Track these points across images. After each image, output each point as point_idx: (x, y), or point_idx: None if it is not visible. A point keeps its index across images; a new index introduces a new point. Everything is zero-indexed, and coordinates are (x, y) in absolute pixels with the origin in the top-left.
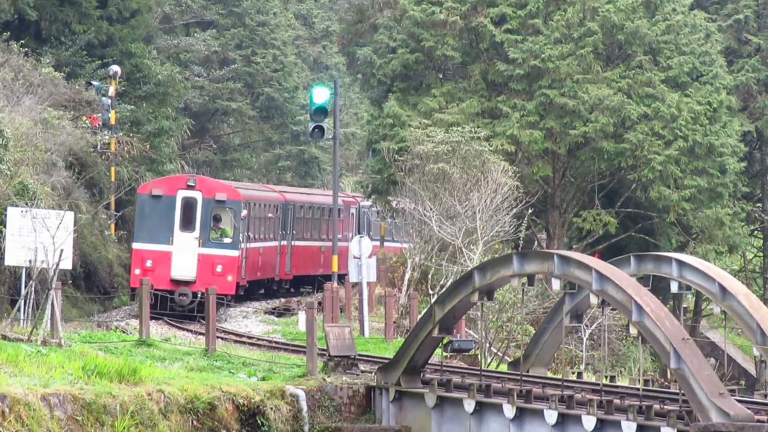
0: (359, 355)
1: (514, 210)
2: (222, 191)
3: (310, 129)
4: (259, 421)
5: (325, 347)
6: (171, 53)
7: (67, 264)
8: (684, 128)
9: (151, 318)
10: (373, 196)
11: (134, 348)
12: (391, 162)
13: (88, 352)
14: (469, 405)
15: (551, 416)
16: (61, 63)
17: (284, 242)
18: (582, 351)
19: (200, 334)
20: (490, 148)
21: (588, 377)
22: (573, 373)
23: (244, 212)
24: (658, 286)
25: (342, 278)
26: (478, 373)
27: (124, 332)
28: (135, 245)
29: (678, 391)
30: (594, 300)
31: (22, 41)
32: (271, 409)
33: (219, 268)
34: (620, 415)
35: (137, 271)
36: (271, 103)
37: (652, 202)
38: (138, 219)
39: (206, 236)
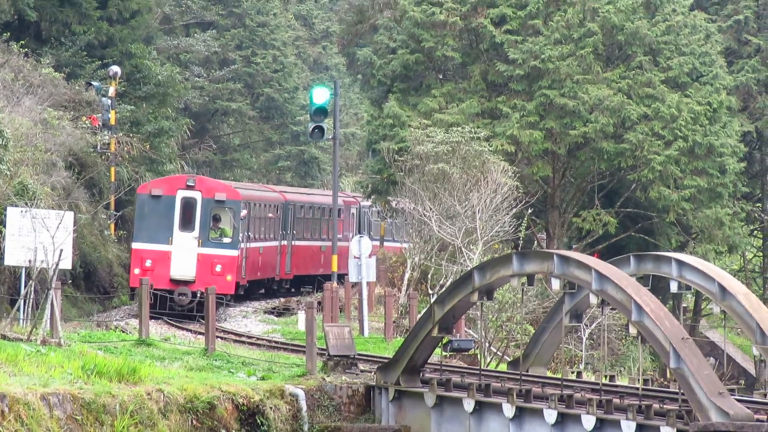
0: (359, 354)
1: (514, 210)
2: (221, 191)
3: (310, 129)
4: (258, 421)
5: (324, 347)
6: (171, 54)
7: (66, 264)
8: (684, 128)
9: (151, 318)
10: (372, 196)
11: (134, 348)
12: (390, 162)
13: (87, 351)
14: (469, 404)
15: (551, 416)
16: (61, 63)
17: (284, 242)
18: (581, 350)
19: (200, 333)
20: (490, 149)
21: (587, 377)
22: (572, 372)
23: (244, 212)
24: (657, 285)
25: (342, 278)
26: (478, 372)
27: (123, 332)
28: (134, 245)
29: (677, 390)
30: (593, 300)
31: (22, 42)
32: (271, 408)
33: (218, 268)
34: (620, 414)
35: (137, 271)
36: (271, 103)
37: (652, 202)
38: (137, 219)
39: (206, 236)
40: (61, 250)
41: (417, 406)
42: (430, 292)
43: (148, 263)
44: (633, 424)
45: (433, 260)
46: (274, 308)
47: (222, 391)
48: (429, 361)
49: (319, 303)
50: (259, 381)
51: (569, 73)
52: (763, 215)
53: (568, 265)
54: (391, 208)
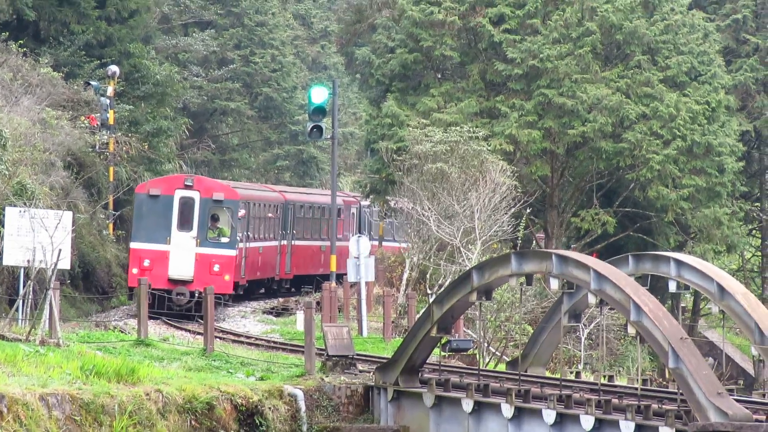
0: (357, 354)
1: (513, 210)
2: (219, 191)
3: (309, 129)
4: (257, 421)
5: (323, 347)
6: (169, 53)
7: (65, 264)
8: (682, 128)
9: (149, 318)
10: (371, 196)
11: (132, 348)
12: (389, 162)
13: (86, 351)
14: (468, 405)
15: (549, 416)
16: (60, 63)
17: (284, 242)
18: (580, 350)
19: (198, 333)
20: (489, 148)
21: (586, 377)
22: (571, 372)
23: (242, 212)
24: (656, 285)
25: (341, 278)
26: (477, 372)
27: (122, 332)
28: (133, 245)
29: (676, 390)
30: (592, 299)
31: (21, 41)
32: (270, 408)
33: (216, 268)
34: (618, 414)
35: (135, 271)
36: (270, 102)
37: (651, 202)
38: (136, 219)
39: (204, 236)
40: (60, 250)
41: (416, 406)
42: (429, 292)
43: (146, 263)
44: (632, 425)
45: (431, 260)
46: (272, 308)
47: (221, 391)
48: (428, 362)
49: (318, 303)
50: (257, 381)
51: (568, 72)
52: (761, 214)
53: (567, 264)
54: (389, 208)
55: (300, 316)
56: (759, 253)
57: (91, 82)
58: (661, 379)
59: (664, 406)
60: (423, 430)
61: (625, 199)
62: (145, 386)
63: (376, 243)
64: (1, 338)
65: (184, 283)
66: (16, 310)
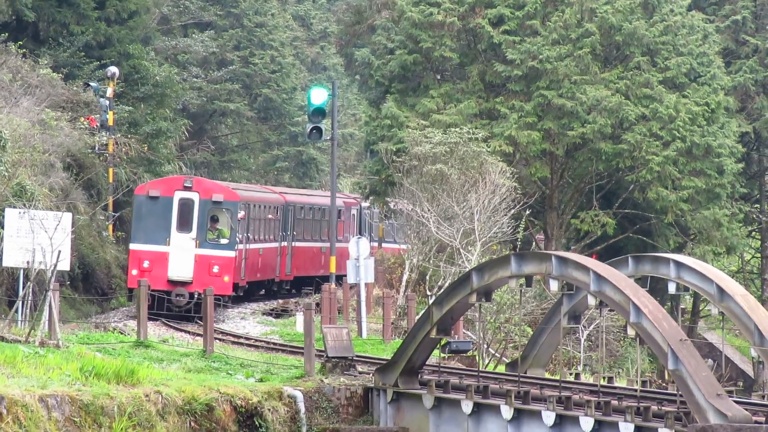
0: (357, 356)
1: (512, 211)
2: (219, 192)
3: (308, 130)
4: (256, 423)
5: (323, 348)
6: (169, 54)
7: (64, 265)
8: (682, 129)
9: (149, 319)
10: (371, 198)
11: (132, 349)
12: (389, 163)
13: (85, 353)
14: (467, 406)
15: (549, 417)
16: (59, 64)
17: (285, 243)
18: (580, 352)
19: (198, 335)
20: (488, 149)
21: (586, 378)
22: (571, 374)
23: (242, 213)
24: (655, 287)
25: (341, 279)
26: (476, 374)
27: (121, 333)
28: (132, 246)
29: (676, 392)
30: (592, 301)
31: (20, 42)
32: (269, 410)
33: (216, 269)
34: (618, 416)
35: (134, 272)
36: (269, 104)
37: (650, 203)
38: (135, 220)
39: (203, 237)
40: (60, 252)
41: (415, 407)
42: (429, 293)
43: (145, 264)
44: (631, 426)
45: (431, 261)
46: (272, 310)
47: (220, 392)
48: (427, 363)
49: (318, 304)
50: (257, 383)
51: (567, 73)
52: (761, 216)
53: (567, 266)
54: (389, 209)
55: (299, 317)
56: (758, 255)
57: (90, 83)
58: (660, 381)
59: (663, 408)
60: (422, 431)
61: (624, 201)
62: (144, 387)
63: (376, 244)
64: (0, 339)
65: (183, 284)
66: (16, 311)
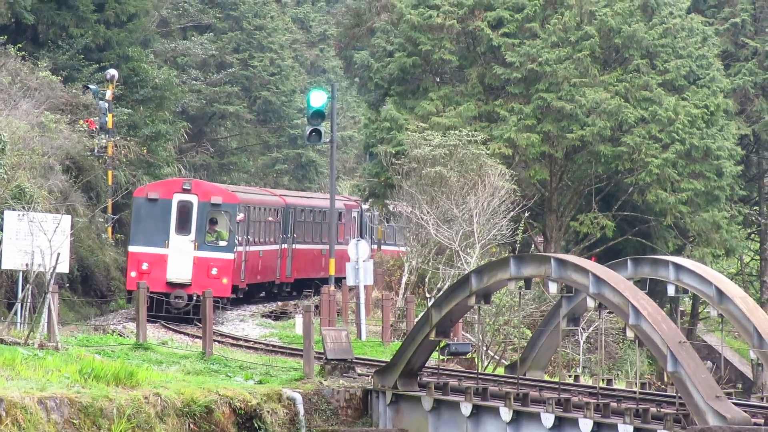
0: (356, 358)
1: (511, 213)
2: (217, 195)
3: (308, 132)
4: (255, 425)
5: (322, 350)
6: (168, 57)
7: (64, 267)
8: (681, 131)
9: (148, 321)
10: (370, 200)
11: (131, 351)
12: (388, 165)
13: (84, 355)
14: (466, 408)
15: (548, 419)
16: (59, 67)
17: (285, 246)
18: (579, 354)
19: (197, 337)
20: (487, 152)
21: (585, 380)
22: (570, 376)
23: (241, 216)
24: (655, 289)
25: (341, 281)
26: (475, 376)
27: (120, 335)
28: (131, 248)
29: (675, 394)
30: (591, 303)
31: (19, 45)
32: (268, 412)
33: (214, 271)
34: (617, 418)
35: (133, 274)
36: (269, 106)
37: (649, 206)
38: (134, 222)
39: (202, 239)
40: (59, 254)
41: (414, 409)
42: (428, 295)
43: (144, 266)
44: (630, 428)
45: (430, 264)
46: (271, 312)
47: (219, 395)
48: (426, 365)
49: (317, 307)
50: (256, 385)
51: (566, 76)
52: (760, 218)
53: (566, 268)
54: (388, 212)
55: (299, 319)
56: (757, 257)
57: (89, 86)
58: (659, 383)
59: (662, 410)
60: None
61: (623, 203)
62: (143, 390)
63: (376, 247)
64: (0, 342)
65: (182, 286)
66: (15, 313)
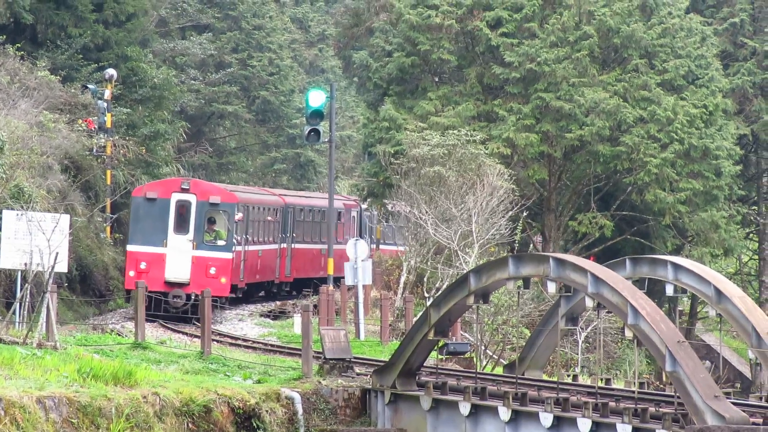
0: (355, 357)
1: (510, 213)
2: (216, 194)
3: (306, 132)
4: (254, 424)
5: (320, 350)
6: (167, 57)
7: (62, 267)
8: (680, 131)
9: (146, 320)
10: (369, 200)
11: (129, 351)
12: (387, 165)
13: (83, 354)
14: (465, 408)
15: (547, 419)
16: (57, 66)
17: (284, 245)
18: (577, 354)
19: (195, 336)
20: (486, 152)
21: (583, 380)
22: (568, 375)
23: (240, 215)
24: (653, 289)
25: (340, 281)
26: (474, 375)
27: (119, 335)
28: (129, 247)
29: (673, 393)
30: (589, 303)
31: (18, 45)
32: (267, 411)
33: (212, 271)
34: (616, 417)
35: (132, 273)
36: (267, 106)
37: (648, 205)
38: (132, 222)
39: (200, 239)
40: (57, 254)
41: (413, 409)
42: (426, 295)
43: (142, 265)
44: (629, 428)
45: (429, 263)
46: (270, 311)
47: (218, 394)
48: (425, 365)
49: (315, 306)
50: (254, 384)
51: (565, 76)
52: (758, 218)
53: (564, 268)
54: (387, 212)
55: (297, 319)
56: (756, 257)
57: (88, 86)
58: (658, 383)
59: (661, 410)
60: None
61: (622, 203)
62: (142, 389)
63: (374, 246)
64: None
65: (180, 285)
66: (14, 313)
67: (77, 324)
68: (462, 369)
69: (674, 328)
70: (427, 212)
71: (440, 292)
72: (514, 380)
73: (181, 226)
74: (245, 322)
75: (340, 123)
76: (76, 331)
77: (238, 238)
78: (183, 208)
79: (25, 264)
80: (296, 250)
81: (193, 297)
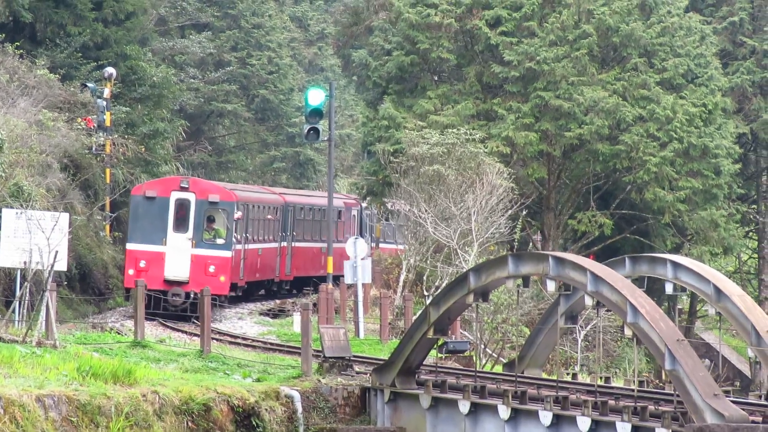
0: (354, 356)
1: (509, 212)
2: (215, 193)
3: (306, 131)
4: (254, 422)
5: (320, 348)
6: (166, 55)
7: (62, 265)
8: (679, 130)
9: (145, 318)
10: (368, 198)
11: (129, 349)
12: (386, 164)
13: (82, 353)
14: (464, 406)
15: (546, 417)
16: (56, 65)
17: (284, 244)
18: (577, 352)
19: (195, 335)
20: (485, 150)
21: (583, 378)
22: (568, 374)
23: (239, 214)
24: (652, 287)
25: (338, 279)
26: (473, 374)
27: (118, 333)
28: (129, 246)
29: (673, 392)
30: (589, 301)
31: (17, 43)
32: (266, 410)
33: (212, 269)
34: (615, 416)
35: (131, 272)
36: (267, 105)
37: (647, 204)
38: (132, 220)
39: (199, 237)
40: (57, 252)
41: (412, 407)
42: (426, 293)
43: (142, 264)
44: (628, 426)
45: (428, 262)
46: (269, 310)
47: (217, 392)
48: (424, 363)
49: (315, 304)
50: (254, 383)
51: (564, 74)
52: (758, 217)
53: (564, 266)
54: (386, 210)
55: (297, 317)
56: (755, 255)
57: (87, 84)
58: (657, 381)
59: (660, 408)
60: (420, 431)
61: (621, 202)
62: (141, 388)
63: (374, 245)
64: None
65: (179, 284)
66: (13, 311)
67: (76, 322)
68: (461, 367)
69: (673, 326)
70: (426, 211)
71: (440, 290)
72: (513, 379)
73: (181, 224)
74: (245, 321)
75: (339, 121)
76: (76, 329)
77: (238, 236)
78: (182, 207)
79: (25, 262)
80: (297, 248)
81: (192, 295)
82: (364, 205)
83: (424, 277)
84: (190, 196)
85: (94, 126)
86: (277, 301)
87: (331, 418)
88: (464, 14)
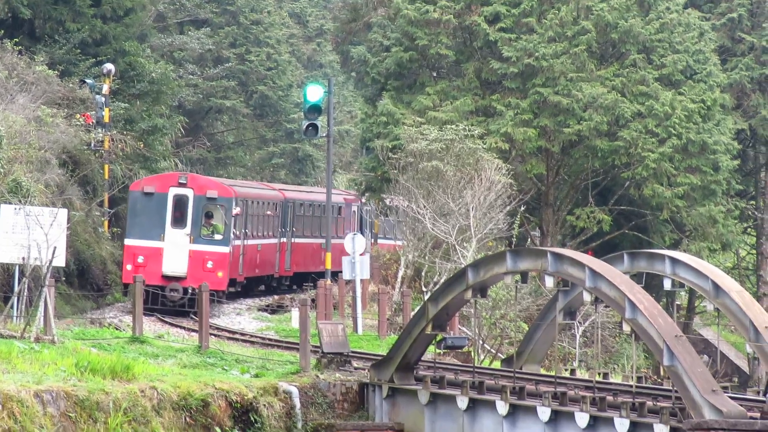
0: (352, 352)
1: (508, 207)
2: (213, 188)
3: (304, 127)
4: (252, 418)
5: (318, 344)
6: (165, 51)
7: (60, 261)
8: (678, 126)
9: (144, 314)
10: (367, 194)
11: (127, 345)
12: (384, 160)
13: (81, 348)
14: (463, 402)
15: (544, 413)
16: (55, 61)
17: (284, 239)
18: (575, 348)
19: (193, 330)
20: (484, 146)
21: (581, 374)
22: (566, 370)
23: (237, 209)
24: (651, 283)
25: (337, 275)
26: (472, 370)
27: (117, 329)
28: (127, 241)
29: (671, 388)
30: (587, 297)
31: (16, 39)
32: (264, 405)
33: (210, 264)
34: (613, 411)
35: (129, 267)
36: (265, 101)
37: (646, 200)
38: (130, 216)
39: (197, 233)
40: (55, 248)
41: (411, 403)
42: (424, 289)
43: (140, 259)
44: (626, 422)
45: (426, 258)
46: (268, 305)
47: (215, 388)
48: (423, 359)
49: (313, 300)
50: (252, 378)
51: (563, 70)
52: (756, 213)
53: (562, 262)
54: (385, 206)
55: (295, 313)
56: (754, 251)
57: (86, 80)
58: (656, 377)
59: (659, 404)
60: (418, 427)
61: (620, 197)
62: (140, 383)
63: (373, 240)
64: None
65: (177, 279)
66: (11, 307)
67: (75, 318)
68: (460, 363)
69: (672, 322)
70: (425, 207)
71: (438, 286)
72: (511, 374)
73: (179, 220)
74: (243, 317)
75: (338, 118)
76: (74, 325)
77: (237, 232)
78: (180, 203)
79: (23, 258)
80: (296, 244)
81: (190, 291)
82: (362, 200)
83: (423, 273)
84: (189, 192)
85: (92, 122)
86: (276, 297)
87: (330, 413)
88: (463, 10)
